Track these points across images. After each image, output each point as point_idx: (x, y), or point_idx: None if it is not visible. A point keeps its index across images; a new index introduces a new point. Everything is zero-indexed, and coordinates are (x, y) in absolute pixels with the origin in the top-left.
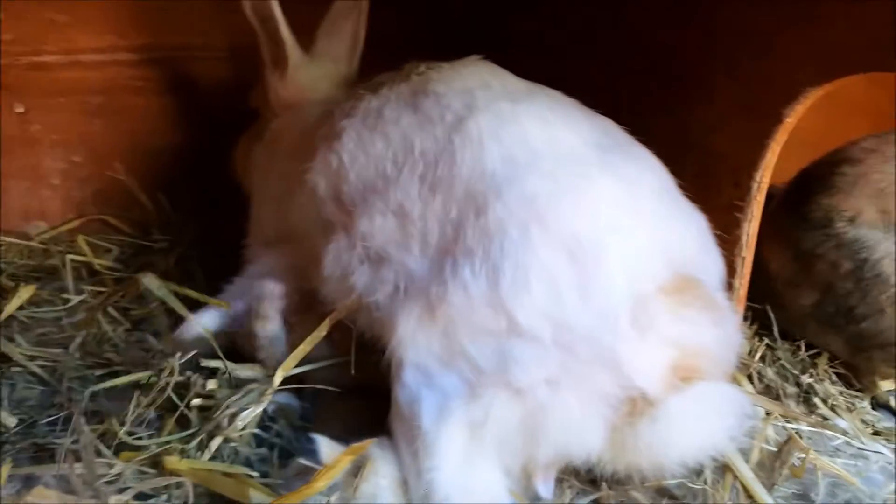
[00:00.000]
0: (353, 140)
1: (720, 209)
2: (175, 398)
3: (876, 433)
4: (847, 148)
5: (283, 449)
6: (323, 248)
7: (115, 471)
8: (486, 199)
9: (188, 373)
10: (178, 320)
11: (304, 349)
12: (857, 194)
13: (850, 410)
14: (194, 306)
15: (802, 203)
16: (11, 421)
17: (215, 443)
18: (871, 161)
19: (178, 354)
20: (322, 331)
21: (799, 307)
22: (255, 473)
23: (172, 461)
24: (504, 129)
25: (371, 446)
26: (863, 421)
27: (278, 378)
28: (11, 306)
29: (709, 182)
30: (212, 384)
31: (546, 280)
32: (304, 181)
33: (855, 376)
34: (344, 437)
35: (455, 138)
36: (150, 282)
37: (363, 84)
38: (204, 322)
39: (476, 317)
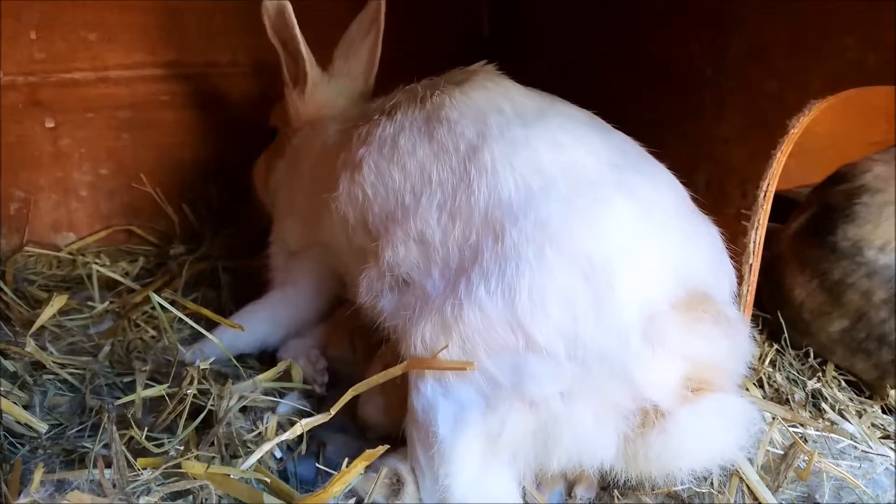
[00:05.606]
0: (374, 172)
1: (728, 219)
2: (211, 410)
3: (886, 437)
4: (858, 175)
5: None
6: (358, 277)
7: (144, 477)
8: (503, 227)
9: (218, 385)
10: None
11: (357, 390)
12: (884, 224)
13: (860, 415)
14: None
15: (827, 233)
16: (43, 427)
17: (256, 455)
18: (891, 190)
19: (198, 364)
20: (397, 371)
21: (827, 334)
22: (267, 479)
23: (191, 465)
24: (517, 157)
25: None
26: (873, 425)
27: (335, 410)
28: (45, 315)
29: (718, 192)
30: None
31: (562, 300)
32: (333, 209)
33: (867, 387)
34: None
35: (470, 168)
36: (156, 299)
37: (378, 103)
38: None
39: (493, 334)
